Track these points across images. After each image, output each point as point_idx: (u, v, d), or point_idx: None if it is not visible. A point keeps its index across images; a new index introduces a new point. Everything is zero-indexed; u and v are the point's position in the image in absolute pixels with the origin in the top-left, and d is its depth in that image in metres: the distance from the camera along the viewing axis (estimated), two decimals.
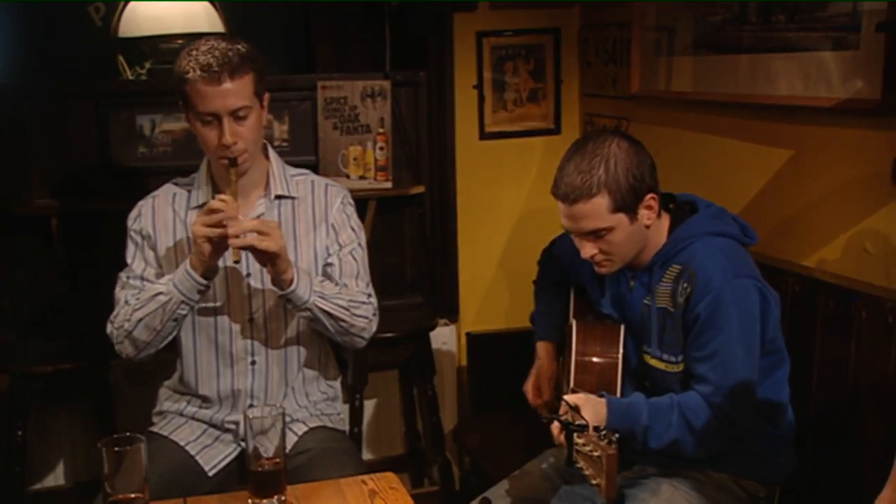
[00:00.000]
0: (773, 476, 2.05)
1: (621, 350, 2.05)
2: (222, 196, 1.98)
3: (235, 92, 1.98)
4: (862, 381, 2.03)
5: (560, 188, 1.93)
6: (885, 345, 1.96)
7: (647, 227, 1.97)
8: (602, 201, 1.89)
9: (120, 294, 2.13)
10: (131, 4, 3.53)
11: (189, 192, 2.18)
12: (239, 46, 2.01)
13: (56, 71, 3.70)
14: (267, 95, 2.10)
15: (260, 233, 1.93)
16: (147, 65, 3.61)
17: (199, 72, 1.95)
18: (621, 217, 1.91)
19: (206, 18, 3.57)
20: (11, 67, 3.63)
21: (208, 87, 1.96)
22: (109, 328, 2.12)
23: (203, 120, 2.00)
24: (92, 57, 3.77)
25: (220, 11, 3.61)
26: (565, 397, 1.83)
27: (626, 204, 1.91)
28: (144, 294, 2.06)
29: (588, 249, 1.96)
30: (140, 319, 2.05)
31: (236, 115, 2.00)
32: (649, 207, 1.95)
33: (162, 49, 3.35)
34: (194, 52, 1.98)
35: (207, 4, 3.60)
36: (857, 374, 2.04)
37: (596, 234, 1.93)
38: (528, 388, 2.33)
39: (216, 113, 1.98)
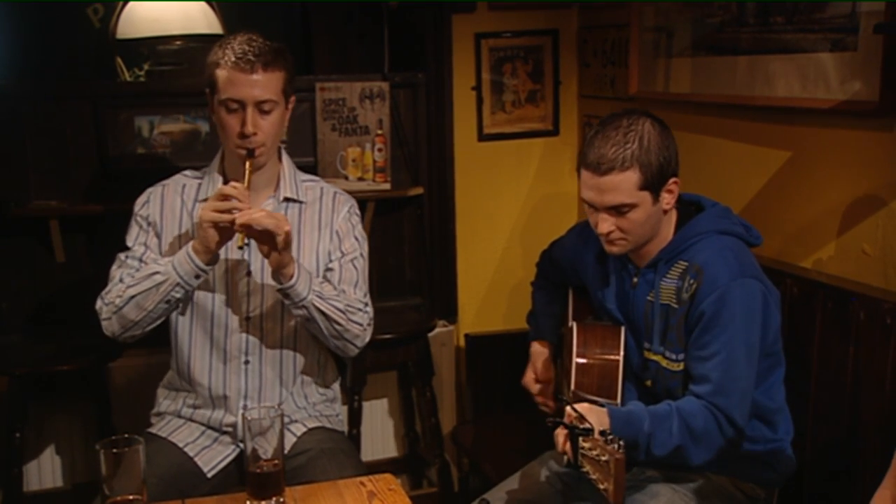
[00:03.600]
0: (771, 478, 2.05)
1: (622, 352, 2.05)
2: (234, 183, 1.99)
3: (265, 84, 2.02)
4: (860, 382, 2.03)
5: (590, 157, 1.92)
6: (883, 346, 1.96)
7: (665, 212, 1.97)
8: (633, 176, 1.88)
9: (115, 272, 2.13)
10: (129, 6, 3.53)
11: (199, 184, 2.19)
12: (275, 43, 2.07)
13: (54, 72, 3.70)
14: (293, 98, 2.14)
15: (269, 217, 1.93)
16: (145, 66, 3.61)
17: (233, 58, 2.01)
18: (646, 195, 1.91)
19: (204, 20, 3.57)
20: (10, 68, 3.63)
21: (240, 73, 2.00)
22: (99, 303, 2.11)
23: (228, 107, 2.03)
24: (90, 58, 3.78)
25: (218, 13, 3.61)
26: (569, 407, 1.82)
27: (653, 183, 1.90)
28: (140, 273, 2.07)
29: (606, 225, 1.95)
30: (132, 297, 2.04)
31: (261, 108, 2.03)
32: (670, 192, 1.95)
33: (160, 50, 3.36)
34: (231, 42, 2.04)
35: (205, 6, 3.61)
36: (856, 375, 2.04)
37: (618, 210, 1.92)
38: (528, 379, 2.33)
39: (242, 101, 2.01)
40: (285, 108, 2.11)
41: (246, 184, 2.01)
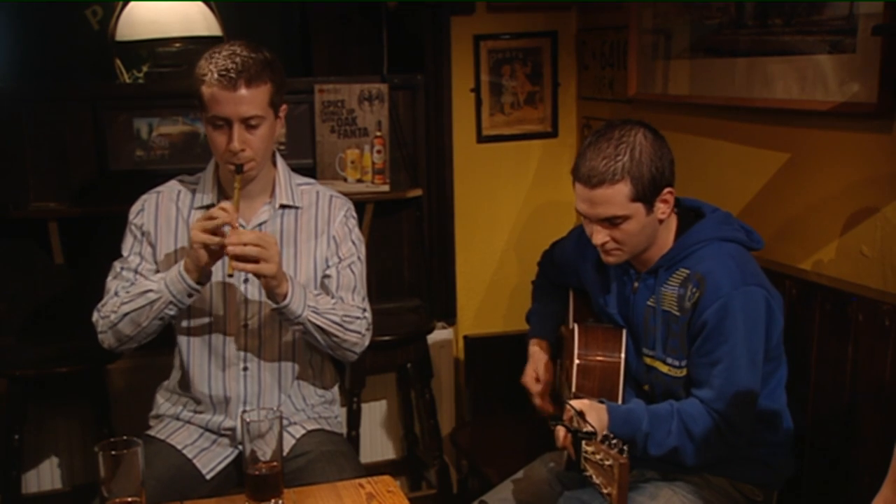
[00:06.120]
0: (770, 480, 2.05)
1: (623, 354, 2.05)
2: (224, 205, 1.97)
3: (250, 100, 1.98)
4: (859, 383, 2.03)
5: (582, 170, 1.92)
6: (882, 347, 1.96)
7: (661, 221, 1.97)
8: (624, 188, 1.89)
9: (111, 284, 2.13)
10: (128, 7, 3.53)
11: (194, 191, 2.18)
12: (261, 55, 2.02)
13: (53, 74, 3.70)
14: (284, 107, 2.10)
15: (257, 246, 1.92)
16: (144, 68, 3.61)
17: (216, 75, 1.96)
18: (639, 207, 1.91)
19: (203, 21, 3.57)
20: (9, 71, 3.63)
21: (223, 91, 1.97)
22: (95, 316, 2.11)
23: (214, 124, 2.01)
24: (89, 60, 3.78)
25: (217, 14, 3.61)
26: (570, 402, 1.82)
27: (646, 195, 1.91)
28: (135, 289, 2.06)
29: (600, 236, 1.96)
30: (126, 314, 2.04)
31: (248, 124, 2.00)
32: (665, 201, 1.95)
33: (159, 52, 3.36)
34: (216, 56, 1.99)
35: (205, 7, 3.60)
36: (854, 376, 2.04)
37: (611, 222, 1.93)
38: (527, 378, 2.32)
39: (227, 118, 1.99)
40: (275, 119, 2.07)
41: (235, 202, 1.99)
